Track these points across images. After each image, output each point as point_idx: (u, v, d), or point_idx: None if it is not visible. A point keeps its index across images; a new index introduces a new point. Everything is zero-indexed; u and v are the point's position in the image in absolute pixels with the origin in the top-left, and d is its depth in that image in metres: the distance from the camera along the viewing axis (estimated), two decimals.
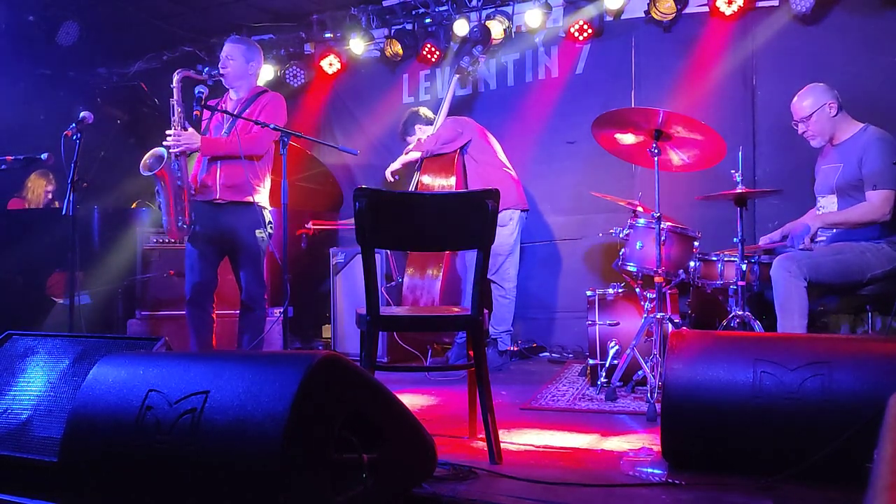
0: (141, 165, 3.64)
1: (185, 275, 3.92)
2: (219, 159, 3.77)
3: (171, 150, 3.65)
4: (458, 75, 5.06)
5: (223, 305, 4.23)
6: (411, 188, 4.73)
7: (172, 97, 3.72)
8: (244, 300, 3.88)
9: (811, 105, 3.57)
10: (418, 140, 4.91)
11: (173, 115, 3.71)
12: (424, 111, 5.04)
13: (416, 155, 4.83)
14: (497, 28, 5.39)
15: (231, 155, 3.74)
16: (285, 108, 3.90)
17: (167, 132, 3.69)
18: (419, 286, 4.55)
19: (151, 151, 3.66)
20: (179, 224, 3.69)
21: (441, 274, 4.56)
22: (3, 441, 2.32)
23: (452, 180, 4.51)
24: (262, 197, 3.88)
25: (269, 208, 3.94)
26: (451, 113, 5.16)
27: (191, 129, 3.76)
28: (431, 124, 4.92)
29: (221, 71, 3.83)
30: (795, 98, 3.65)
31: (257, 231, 3.84)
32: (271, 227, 3.94)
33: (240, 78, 3.87)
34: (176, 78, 3.72)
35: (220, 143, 3.75)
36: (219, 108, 3.79)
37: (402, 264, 5.01)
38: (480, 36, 5.32)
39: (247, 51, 3.90)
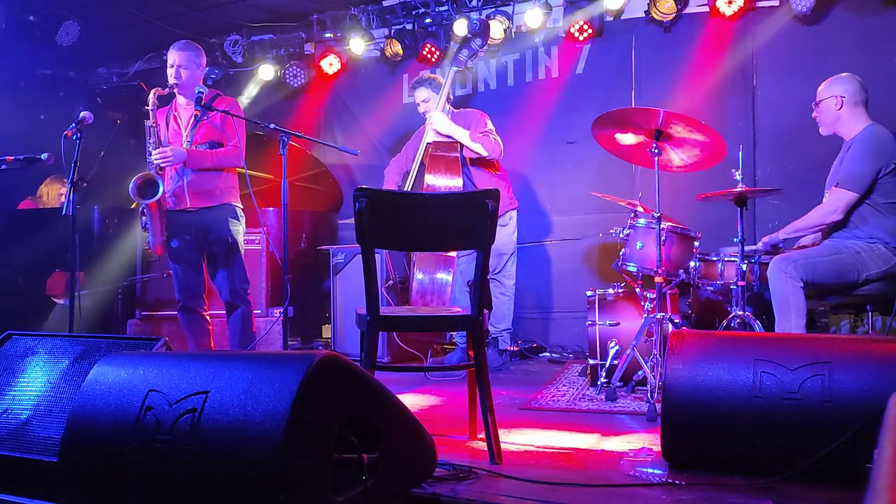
0: (131, 191, 3.68)
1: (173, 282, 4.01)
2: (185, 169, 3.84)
3: (160, 166, 3.73)
4: (454, 68, 4.92)
5: (220, 306, 4.23)
6: (409, 186, 4.68)
7: (149, 119, 3.79)
8: (228, 300, 3.92)
9: (824, 92, 3.57)
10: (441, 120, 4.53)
11: (151, 137, 3.78)
12: (440, 79, 4.78)
13: (465, 139, 4.47)
14: (497, 28, 5.37)
15: (215, 167, 3.85)
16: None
17: (154, 152, 3.74)
18: (429, 290, 4.53)
19: (142, 175, 3.70)
20: (164, 241, 3.79)
21: (451, 277, 4.53)
22: (3, 441, 2.32)
23: (459, 181, 4.45)
24: (233, 197, 3.95)
25: (241, 206, 4.00)
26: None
27: (172, 144, 3.82)
28: (438, 91, 4.72)
29: (175, 81, 3.85)
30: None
31: (231, 223, 3.88)
32: (243, 223, 4.00)
33: (195, 85, 3.87)
34: (152, 99, 3.79)
35: (206, 156, 3.83)
36: (173, 113, 3.92)
37: (398, 264, 4.99)
38: (480, 29, 5.24)
39: (196, 56, 3.93)
